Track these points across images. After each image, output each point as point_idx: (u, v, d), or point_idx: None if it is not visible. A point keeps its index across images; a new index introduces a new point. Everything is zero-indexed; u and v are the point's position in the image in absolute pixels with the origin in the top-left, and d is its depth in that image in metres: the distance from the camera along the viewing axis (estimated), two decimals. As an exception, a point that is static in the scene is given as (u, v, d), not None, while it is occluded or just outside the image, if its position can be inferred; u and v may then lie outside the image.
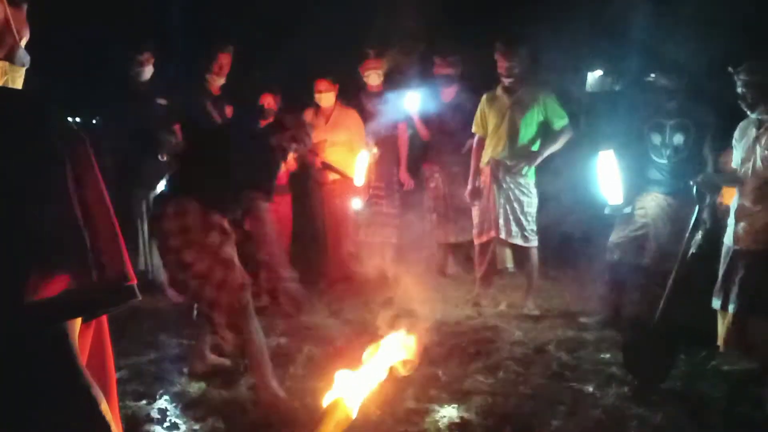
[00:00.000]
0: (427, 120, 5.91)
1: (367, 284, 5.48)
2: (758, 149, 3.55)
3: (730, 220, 3.70)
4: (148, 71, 5.27)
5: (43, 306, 1.41)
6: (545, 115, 5.02)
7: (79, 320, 1.50)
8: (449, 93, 5.92)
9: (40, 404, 1.42)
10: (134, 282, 1.52)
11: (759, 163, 3.55)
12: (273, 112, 5.47)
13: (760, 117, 3.58)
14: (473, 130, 5.30)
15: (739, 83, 3.56)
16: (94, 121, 6.00)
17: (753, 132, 3.61)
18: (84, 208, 1.44)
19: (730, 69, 3.60)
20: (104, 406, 1.49)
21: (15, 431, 1.41)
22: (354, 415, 1.94)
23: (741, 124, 3.73)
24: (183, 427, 3.12)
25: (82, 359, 1.52)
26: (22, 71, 1.57)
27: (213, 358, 3.87)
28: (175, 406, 3.32)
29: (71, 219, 1.42)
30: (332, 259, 5.85)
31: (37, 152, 1.41)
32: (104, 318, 1.62)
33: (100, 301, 1.51)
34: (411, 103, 5.81)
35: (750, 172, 3.59)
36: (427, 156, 6.08)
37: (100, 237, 1.47)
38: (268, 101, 5.43)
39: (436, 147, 5.95)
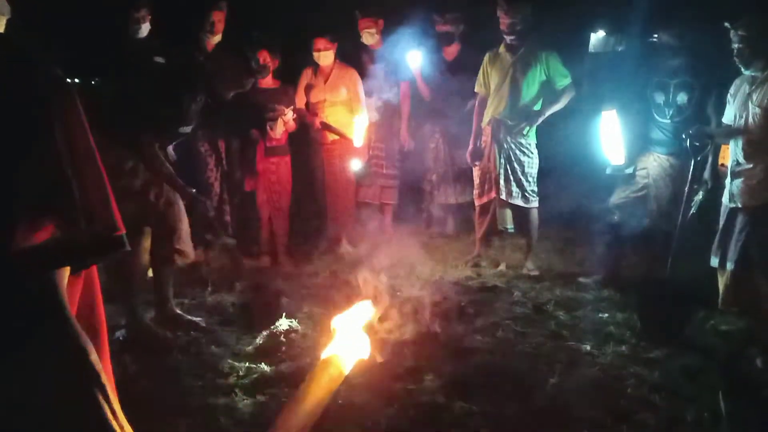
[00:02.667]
0: (428, 79, 5.83)
1: (366, 245, 5.48)
2: (750, 106, 3.53)
3: (727, 179, 3.70)
4: (145, 28, 5.18)
5: (30, 254, 1.39)
6: (547, 74, 4.95)
7: (67, 270, 1.49)
8: (451, 52, 5.83)
9: (27, 351, 1.42)
10: (123, 232, 1.51)
11: (751, 119, 3.53)
12: (269, 69, 5.40)
13: (753, 74, 3.55)
14: (475, 89, 5.24)
15: (735, 38, 3.51)
16: (93, 82, 5.92)
17: (746, 88, 3.58)
18: (72, 156, 1.42)
19: (726, 24, 3.54)
20: (94, 357, 1.48)
21: (1, 378, 1.41)
22: (347, 371, 1.96)
23: (736, 81, 3.71)
24: (181, 383, 3.14)
25: (72, 310, 1.51)
26: (4, 20, 1.55)
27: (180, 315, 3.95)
28: (173, 362, 3.35)
29: (58, 167, 1.40)
30: (332, 220, 5.83)
31: (23, 99, 1.38)
32: (94, 271, 1.61)
33: (88, 251, 1.49)
34: (412, 61, 5.72)
35: (743, 128, 3.57)
36: (428, 116, 6.01)
37: (88, 186, 1.45)
38: (264, 57, 5.35)
39: (437, 107, 5.87)
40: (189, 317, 3.92)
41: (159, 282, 3.88)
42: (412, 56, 5.70)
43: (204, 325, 3.88)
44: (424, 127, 6.05)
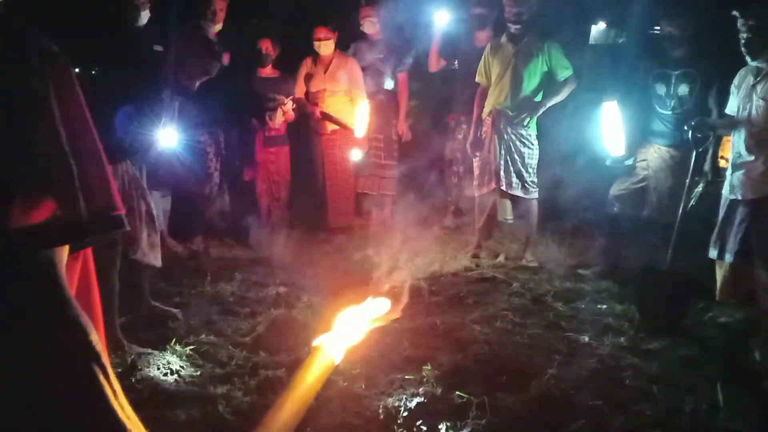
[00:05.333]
0: (445, 54, 5.74)
1: (365, 235, 5.49)
2: (754, 97, 3.50)
3: (728, 171, 3.68)
4: (144, 16, 5.14)
5: (30, 232, 1.38)
6: (549, 65, 4.92)
7: (66, 250, 1.48)
8: (483, 38, 5.58)
9: (30, 332, 1.41)
10: (122, 212, 1.50)
11: (754, 111, 3.50)
12: (271, 58, 5.38)
13: (759, 65, 3.51)
14: (476, 79, 5.21)
15: (744, 28, 3.45)
16: (93, 72, 5.88)
17: (750, 80, 3.55)
18: (69, 133, 1.41)
19: (735, 13, 3.49)
20: (94, 336, 1.48)
21: (2, 359, 1.40)
22: (337, 361, 1.95)
23: (740, 72, 3.67)
24: (183, 373, 3.14)
25: (71, 290, 1.50)
26: None
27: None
28: (174, 353, 3.34)
29: (57, 143, 1.38)
30: (331, 210, 5.83)
31: (19, 75, 1.37)
32: (90, 253, 1.60)
33: (87, 230, 1.48)
34: (440, 20, 5.63)
35: (746, 120, 3.54)
36: (452, 106, 5.90)
37: (86, 164, 1.44)
38: (266, 46, 5.33)
39: (463, 96, 5.64)
40: (166, 308, 3.87)
41: (134, 280, 3.69)
42: (440, 15, 5.61)
43: (180, 317, 3.82)
44: (448, 118, 5.94)
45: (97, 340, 1.50)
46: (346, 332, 1.94)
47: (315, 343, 1.89)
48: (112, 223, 1.50)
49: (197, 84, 3.63)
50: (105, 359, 1.52)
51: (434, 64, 5.86)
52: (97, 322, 1.62)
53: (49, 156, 1.39)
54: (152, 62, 5.15)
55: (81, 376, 1.48)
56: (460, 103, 5.79)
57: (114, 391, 1.55)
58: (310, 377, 1.83)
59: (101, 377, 1.50)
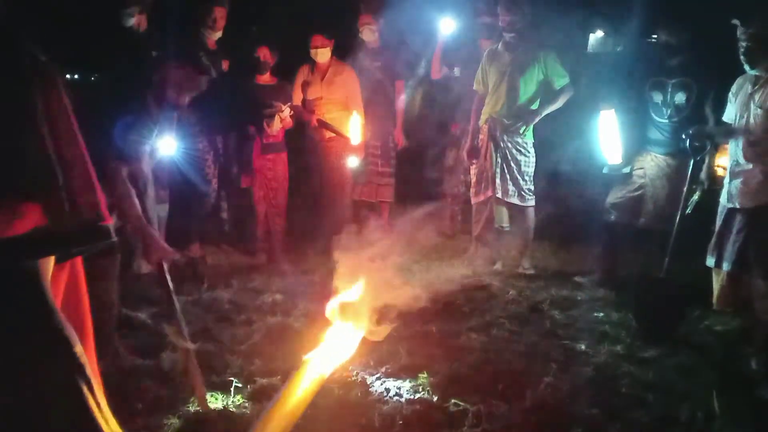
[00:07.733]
0: (447, 60, 5.75)
1: (362, 243, 5.47)
2: (752, 106, 3.50)
3: (726, 179, 3.69)
4: (129, 17, 5.12)
5: (15, 242, 1.37)
6: (546, 73, 4.94)
7: (52, 260, 1.47)
8: (487, 46, 5.45)
9: (10, 342, 1.40)
10: (109, 222, 1.49)
11: (752, 120, 3.50)
12: (269, 65, 5.39)
13: (757, 73, 3.51)
14: (474, 87, 5.23)
15: (744, 37, 3.44)
16: (92, 78, 5.90)
17: (748, 88, 3.55)
18: (55, 143, 1.40)
19: (735, 21, 3.48)
20: (79, 348, 1.46)
21: None
22: (327, 374, 1.95)
23: (738, 80, 3.67)
24: (178, 381, 3.13)
25: (56, 302, 1.49)
26: None
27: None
28: (171, 362, 3.33)
29: (43, 152, 1.37)
30: (329, 217, 5.82)
31: (7, 84, 1.36)
32: (79, 262, 1.59)
33: (74, 240, 1.47)
34: (445, 27, 5.65)
35: (743, 128, 3.55)
36: (457, 116, 5.88)
37: (73, 174, 1.43)
38: (264, 54, 5.35)
39: (467, 106, 5.51)
40: (133, 314, 3.85)
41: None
42: (445, 23, 5.64)
43: (149, 321, 3.81)
44: (452, 129, 5.92)
45: (82, 351, 1.48)
46: (336, 347, 1.94)
47: (305, 357, 1.88)
48: (99, 233, 1.49)
49: (187, 100, 3.54)
50: (90, 371, 1.51)
51: (437, 71, 5.88)
52: (87, 332, 1.61)
53: (35, 165, 1.38)
54: (150, 68, 5.15)
55: (64, 388, 1.46)
56: (464, 112, 5.66)
57: (98, 404, 1.53)
58: (298, 392, 1.81)
59: (85, 389, 1.48)
